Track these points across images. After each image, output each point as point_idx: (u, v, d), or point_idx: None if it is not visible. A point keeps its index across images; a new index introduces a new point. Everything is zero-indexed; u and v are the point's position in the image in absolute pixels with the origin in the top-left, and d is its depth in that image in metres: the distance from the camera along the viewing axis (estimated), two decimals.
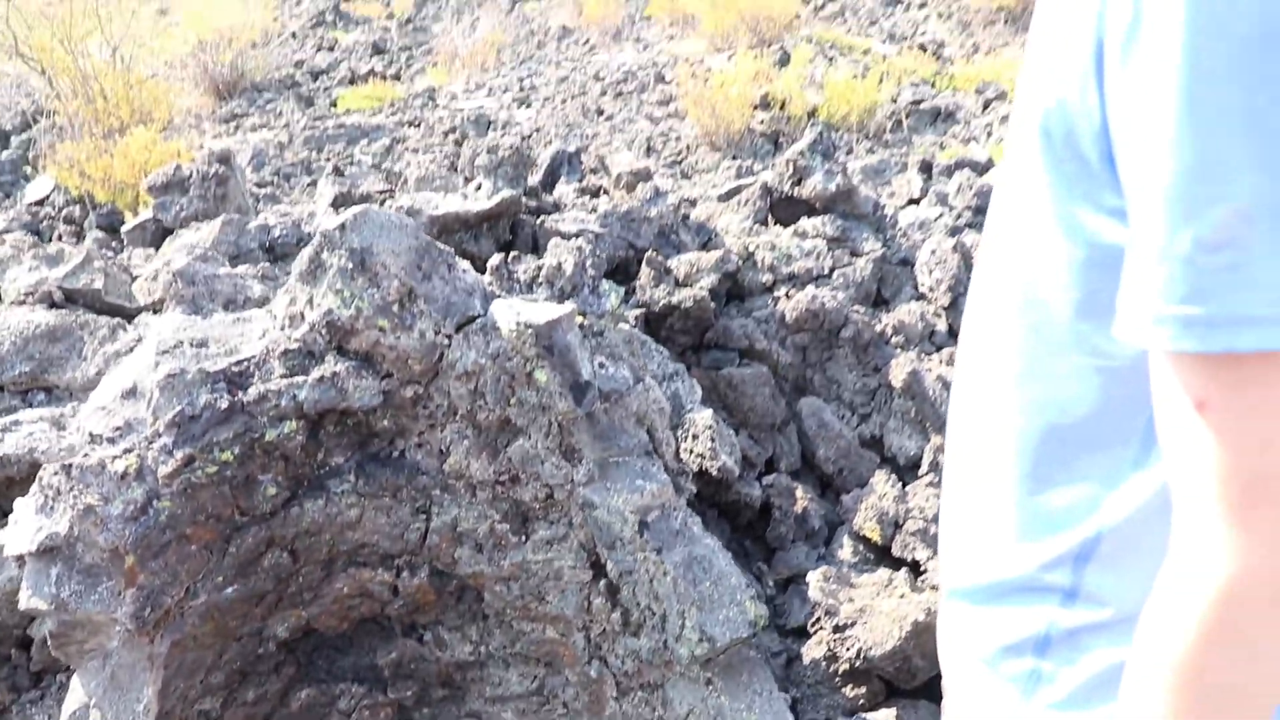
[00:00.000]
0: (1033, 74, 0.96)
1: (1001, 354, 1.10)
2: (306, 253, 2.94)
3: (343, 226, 2.89)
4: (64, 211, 7.58)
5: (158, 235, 5.85)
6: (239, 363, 2.92)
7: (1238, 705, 0.84)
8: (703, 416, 3.56)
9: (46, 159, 8.79)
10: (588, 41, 13.95)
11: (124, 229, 6.00)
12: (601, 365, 2.97)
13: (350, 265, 2.85)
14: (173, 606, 2.84)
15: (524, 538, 2.99)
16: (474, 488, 2.98)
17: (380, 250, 2.87)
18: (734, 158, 7.64)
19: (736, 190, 5.24)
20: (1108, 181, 0.87)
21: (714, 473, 3.50)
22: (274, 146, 9.22)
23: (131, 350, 3.80)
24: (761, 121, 8.29)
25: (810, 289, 4.15)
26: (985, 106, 8.50)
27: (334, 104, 11.72)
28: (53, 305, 4.12)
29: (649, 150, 8.14)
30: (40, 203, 7.94)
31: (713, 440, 3.52)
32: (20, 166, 9.16)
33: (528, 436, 2.88)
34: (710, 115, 7.85)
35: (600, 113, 9.93)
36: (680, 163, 7.76)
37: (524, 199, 4.39)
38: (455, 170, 6.92)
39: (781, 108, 8.46)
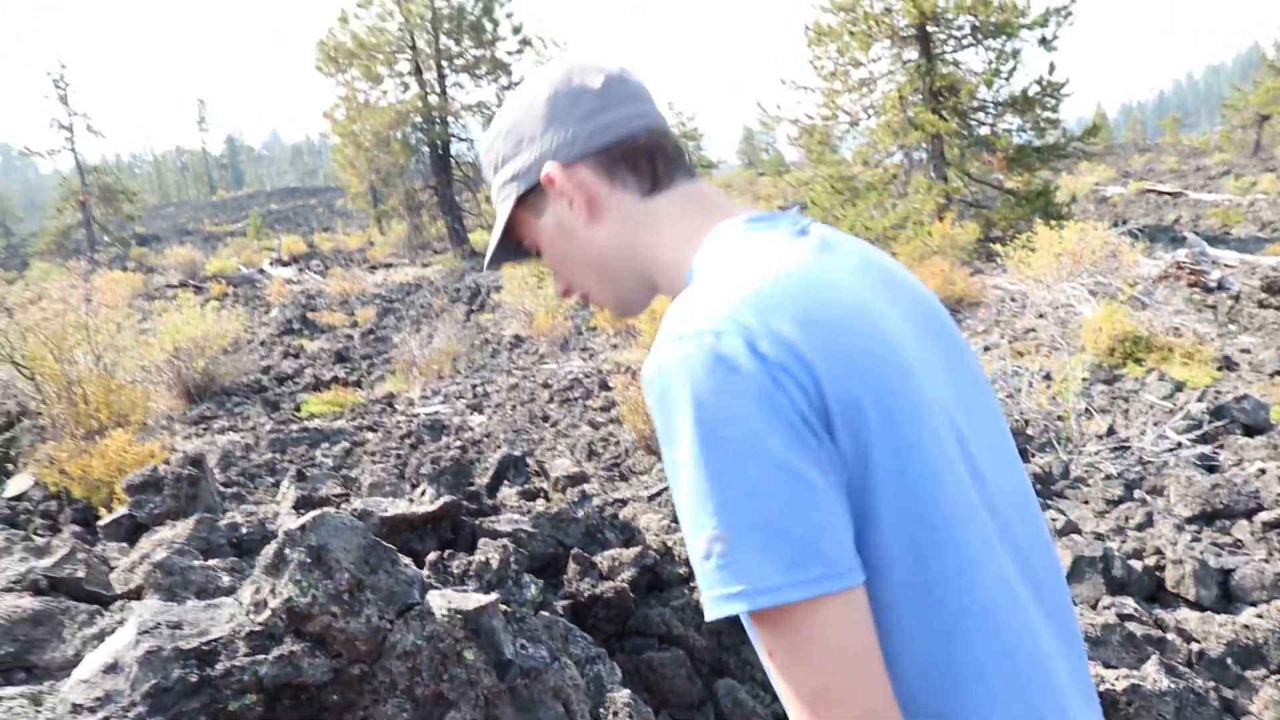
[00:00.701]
0: None
1: None
2: (271, 549, 3.44)
3: (303, 527, 3.41)
4: (41, 506, 8.04)
5: (132, 530, 6.30)
6: (209, 642, 3.37)
7: None
8: (621, 695, 3.98)
9: (27, 457, 9.33)
10: (537, 350, 14.91)
11: (100, 524, 6.46)
12: (523, 646, 3.44)
13: (309, 560, 3.35)
14: None
15: None
16: None
17: (334, 548, 3.38)
18: None
19: (662, 491, 5.81)
20: None
21: None
22: (241, 448, 9.79)
23: (108, 633, 4.22)
24: None
25: None
26: None
27: (298, 409, 12.42)
28: (37, 592, 4.55)
29: (590, 454, 8.78)
30: (18, 498, 8.41)
31: (630, 717, 3.93)
32: (1, 463, 9.68)
33: (458, 709, 3.31)
34: (645, 421, 8.55)
35: (546, 419, 10.64)
36: (619, 465, 8.38)
37: (465, 502, 4.93)
38: (403, 477, 7.52)
39: None
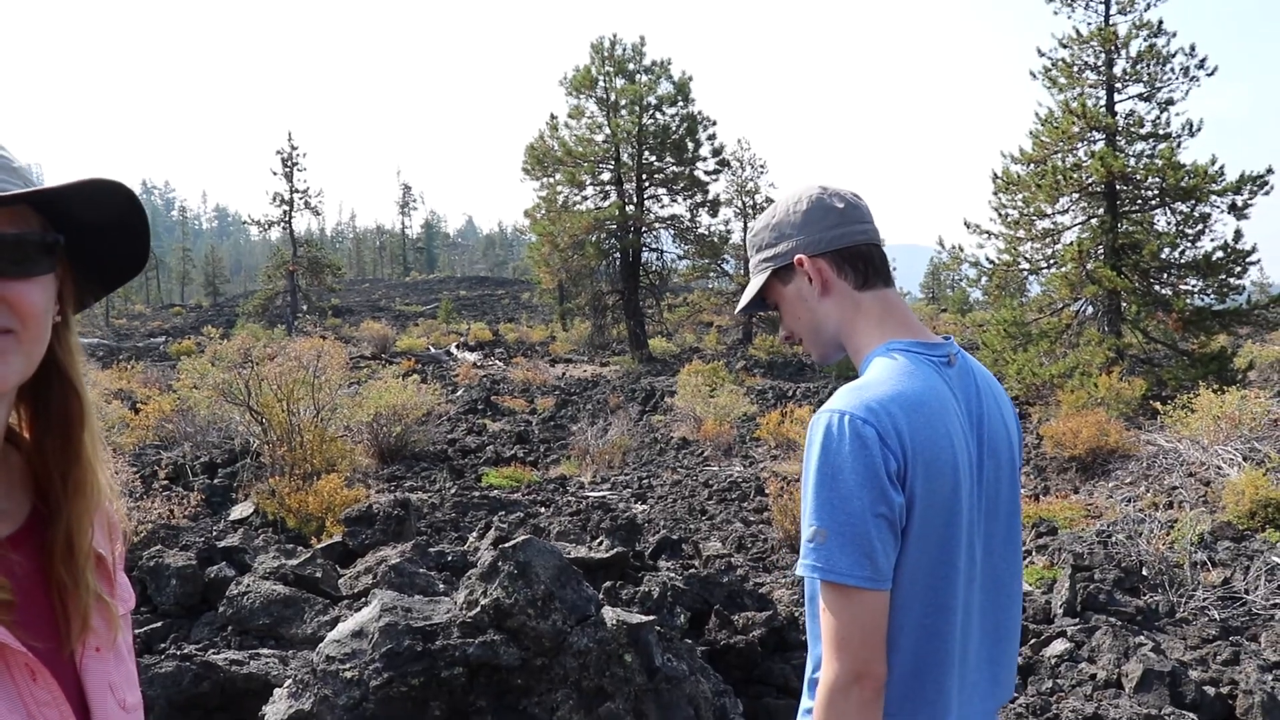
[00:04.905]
0: None
1: None
2: (488, 559, 4.47)
3: (514, 546, 4.44)
4: (259, 530, 9.37)
5: (343, 555, 7.49)
6: (431, 625, 4.40)
7: None
8: None
9: (247, 489, 10.77)
10: (702, 453, 15.93)
11: (318, 547, 7.66)
12: (669, 659, 4.37)
13: (515, 571, 4.37)
14: None
15: None
16: None
17: (536, 565, 4.40)
18: None
19: (801, 579, 6.67)
20: None
21: None
22: (428, 505, 11.00)
23: (338, 621, 5.32)
24: None
25: None
26: (1036, 536, 9.95)
27: (479, 479, 13.67)
28: (287, 583, 5.70)
29: (740, 547, 9.67)
30: (240, 521, 9.79)
31: None
32: (226, 493, 11.14)
33: (614, 700, 4.25)
34: (792, 523, 9.42)
35: (704, 513, 11.61)
36: (764, 559, 9.25)
37: (632, 557, 5.91)
38: (585, 530, 8.58)
39: None
